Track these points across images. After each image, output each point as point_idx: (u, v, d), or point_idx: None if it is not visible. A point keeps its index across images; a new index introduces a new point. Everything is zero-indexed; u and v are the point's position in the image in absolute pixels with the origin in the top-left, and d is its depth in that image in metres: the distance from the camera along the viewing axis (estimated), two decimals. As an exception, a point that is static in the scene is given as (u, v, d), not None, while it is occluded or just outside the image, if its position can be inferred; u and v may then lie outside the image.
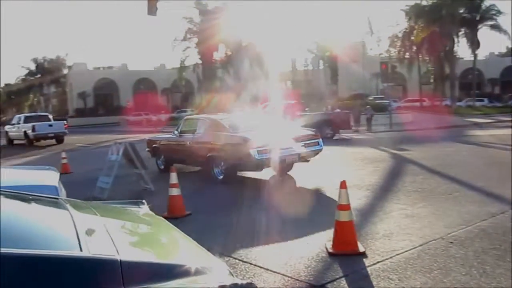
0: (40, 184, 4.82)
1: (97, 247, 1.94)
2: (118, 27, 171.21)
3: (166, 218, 6.73)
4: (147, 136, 15.59)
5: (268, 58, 45.70)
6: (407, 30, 43.44)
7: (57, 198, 2.81)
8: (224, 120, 10.77)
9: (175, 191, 7.23)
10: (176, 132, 11.75)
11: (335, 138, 20.95)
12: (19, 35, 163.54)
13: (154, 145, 12.39)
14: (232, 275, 2.19)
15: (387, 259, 4.64)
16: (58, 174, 5.53)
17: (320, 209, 7.01)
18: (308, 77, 60.71)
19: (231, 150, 9.38)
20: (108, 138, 28.04)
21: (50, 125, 27.13)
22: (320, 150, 10.14)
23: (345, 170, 10.77)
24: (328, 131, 20.72)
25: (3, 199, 2.37)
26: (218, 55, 44.99)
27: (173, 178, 7.30)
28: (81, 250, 1.86)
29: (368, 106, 27.61)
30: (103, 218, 2.46)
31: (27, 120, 27.18)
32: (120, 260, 1.84)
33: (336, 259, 4.73)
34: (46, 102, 71.08)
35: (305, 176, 10.35)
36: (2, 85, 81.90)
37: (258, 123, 10.91)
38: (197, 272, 2.02)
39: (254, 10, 45.44)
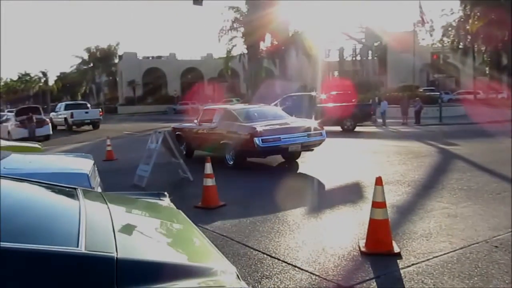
0: (70, 172, 4.87)
1: (96, 243, 1.85)
2: (168, 16, 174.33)
3: (200, 208, 6.87)
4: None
5: (316, 48, 45.00)
6: (462, 19, 41.38)
7: (74, 188, 2.76)
8: (237, 110, 11.64)
9: (209, 182, 7.18)
10: (196, 121, 12.55)
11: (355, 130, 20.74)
12: (73, 25, 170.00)
13: (177, 133, 12.87)
14: (239, 278, 2.05)
15: (423, 261, 4.36)
16: (92, 162, 5.57)
17: (357, 205, 6.74)
18: (356, 68, 59.40)
19: (239, 138, 10.31)
20: (155, 126, 28.62)
21: (86, 112, 30.12)
22: (323, 140, 10.90)
23: (387, 165, 10.38)
24: (348, 123, 20.69)
25: (13, 186, 2.35)
26: (264, 45, 44.80)
27: (208, 168, 7.25)
28: (77, 245, 1.77)
29: (417, 98, 26.60)
30: (115, 211, 2.39)
31: (67, 107, 30.61)
32: (117, 258, 1.74)
33: (368, 259, 4.50)
34: (98, 91, 73.46)
35: (344, 170, 10.08)
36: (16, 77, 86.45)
37: (271, 114, 11.74)
38: (202, 274, 1.90)
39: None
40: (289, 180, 9.11)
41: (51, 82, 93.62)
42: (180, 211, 3.02)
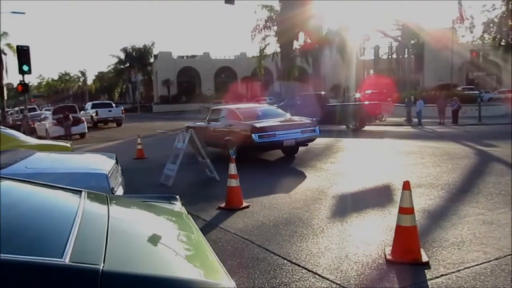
0: (89, 172, 4.84)
1: (84, 253, 1.73)
2: (202, 16, 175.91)
3: (224, 209, 6.75)
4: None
5: (350, 46, 44.26)
6: (505, 15, 39.71)
7: (79, 191, 2.67)
8: (239, 110, 12.68)
9: (233, 182, 7.05)
10: (206, 120, 13.66)
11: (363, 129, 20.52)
12: (111, 26, 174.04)
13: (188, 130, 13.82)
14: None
15: (453, 272, 4.07)
16: (113, 162, 5.53)
17: (385, 209, 6.45)
18: (392, 66, 58.16)
19: (240, 134, 11.37)
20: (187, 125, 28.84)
21: (110, 111, 33.03)
22: (316, 136, 12.07)
23: (420, 166, 9.97)
24: (353, 122, 20.43)
25: (10, 188, 2.27)
26: (297, 44, 44.42)
27: (232, 168, 7.13)
28: (62, 256, 1.66)
29: (455, 97, 25.67)
30: (115, 217, 2.28)
31: (93, 106, 33.42)
32: (102, 270, 1.61)
33: (394, 268, 4.25)
34: (134, 90, 74.82)
35: (375, 171, 9.75)
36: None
37: (270, 113, 12.85)
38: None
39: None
40: (317, 181, 8.86)
41: (89, 81, 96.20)
42: (190, 216, 2.88)
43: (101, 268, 1.62)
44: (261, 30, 43.69)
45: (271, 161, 12.10)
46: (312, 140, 12.10)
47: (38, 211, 2.10)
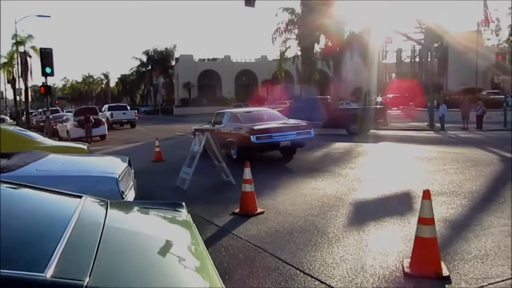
0: (99, 175, 4.76)
1: (69, 267, 1.60)
2: (224, 19, 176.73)
3: (238, 215, 6.60)
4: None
5: (372, 49, 43.73)
6: (532, 17, 38.72)
7: (79, 196, 2.56)
8: (240, 113, 13.56)
9: (248, 187, 6.90)
10: (211, 122, 14.49)
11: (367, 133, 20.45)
12: (133, 29, 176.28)
13: (196, 133, 14.43)
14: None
15: (476, 288, 3.84)
16: (125, 165, 5.45)
17: (405, 218, 6.20)
18: (415, 70, 57.32)
19: (240, 135, 12.13)
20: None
21: (124, 113, 35.23)
22: (311, 138, 12.79)
23: (442, 173, 9.65)
24: (353, 126, 20.53)
25: (7, 194, 2.17)
26: (318, 47, 44.10)
27: (247, 173, 6.98)
28: (44, 270, 1.53)
29: (479, 102, 25.01)
30: (112, 226, 2.15)
31: (109, 109, 35.57)
32: (86, 287, 1.48)
33: (412, 282, 4.04)
34: (155, 92, 75.55)
35: (396, 177, 9.47)
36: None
37: (269, 116, 13.65)
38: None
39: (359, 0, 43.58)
40: (335, 187, 8.65)
41: (112, 83, 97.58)
42: (194, 225, 2.73)
43: (85, 284, 1.49)
44: (282, 33, 43.50)
45: (288, 166, 11.92)
46: (307, 141, 12.99)
47: (28, 219, 1.99)
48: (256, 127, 11.91)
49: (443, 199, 7.19)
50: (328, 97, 27.43)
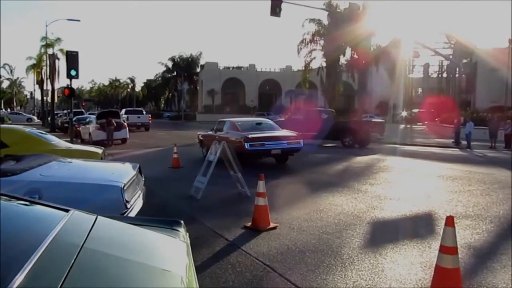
0: (103, 184, 4.57)
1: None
2: (251, 28, 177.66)
3: (249, 229, 6.34)
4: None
5: (399, 63, 43.06)
6: None
7: (66, 210, 2.36)
8: (238, 122, 14.99)
9: (261, 201, 6.64)
10: (213, 129, 15.97)
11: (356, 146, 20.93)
12: (161, 35, 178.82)
13: (200, 139, 17.09)
14: None
15: (501, 328, 3.48)
16: (133, 173, 5.26)
17: (425, 241, 5.82)
18: (442, 85, 56.24)
19: (236, 142, 13.12)
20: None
21: (139, 117, 38.08)
22: (300, 148, 14.05)
23: (467, 194, 9.19)
24: (348, 139, 21.18)
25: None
26: (344, 59, 43.64)
27: (261, 186, 6.72)
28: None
29: (509, 120, 24.20)
30: (91, 248, 1.92)
31: (126, 112, 37.73)
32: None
33: (430, 316, 3.70)
34: (179, 98, 76.19)
35: (418, 196, 9.06)
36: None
37: (264, 126, 15.08)
38: None
39: (387, 13, 43.06)
40: (353, 204, 8.31)
41: (138, 88, 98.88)
42: (189, 249, 2.47)
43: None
44: (307, 44, 43.22)
45: (307, 179, 11.60)
46: (296, 150, 14.15)
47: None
48: (250, 136, 13.22)
49: (468, 223, 6.78)
50: (332, 110, 28.47)
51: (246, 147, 12.91)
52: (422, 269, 4.76)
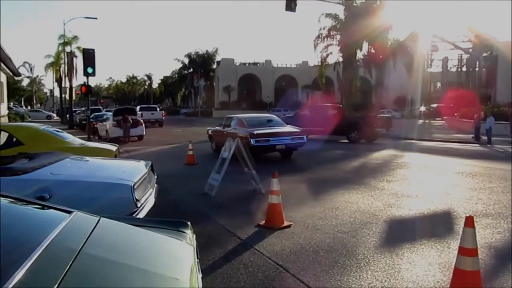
0: (113, 182, 4.52)
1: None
2: (266, 23, 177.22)
3: (263, 227, 6.25)
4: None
5: (417, 57, 42.36)
6: None
7: (70, 212, 2.29)
8: (245, 118, 15.45)
9: (275, 199, 6.54)
10: (221, 125, 16.63)
11: (362, 141, 21.12)
12: (177, 31, 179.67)
13: (209, 134, 17.82)
14: None
15: (524, 334, 3.32)
16: (144, 171, 5.20)
17: (444, 241, 5.64)
18: (461, 79, 55.22)
19: (242, 138, 12.45)
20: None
21: (152, 113, 39.62)
22: (304, 143, 14.46)
23: (488, 192, 8.93)
24: (353, 134, 21.45)
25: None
26: (361, 54, 43.12)
27: (274, 184, 6.61)
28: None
29: (531, 115, 23.59)
30: (90, 252, 1.84)
31: (140, 109, 38.16)
32: None
33: (449, 320, 3.56)
34: (196, 95, 76.39)
35: (436, 194, 8.84)
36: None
37: (270, 122, 15.47)
38: None
39: (405, 6, 42.44)
40: (369, 202, 8.15)
41: (155, 85, 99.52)
42: (195, 252, 2.38)
43: None
44: (323, 39, 42.82)
45: (323, 176, 11.46)
46: (300, 146, 14.54)
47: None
48: (255, 132, 13.79)
49: (488, 222, 6.57)
50: (340, 105, 28.51)
51: (252, 142, 13.27)
52: (441, 271, 4.61)
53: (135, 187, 4.51)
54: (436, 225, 6.51)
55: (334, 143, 20.96)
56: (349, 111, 32.19)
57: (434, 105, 50.93)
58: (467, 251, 3.67)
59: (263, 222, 6.53)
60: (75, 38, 42.46)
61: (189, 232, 2.69)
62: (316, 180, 10.70)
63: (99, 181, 4.51)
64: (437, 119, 43.28)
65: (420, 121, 42.16)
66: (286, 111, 52.94)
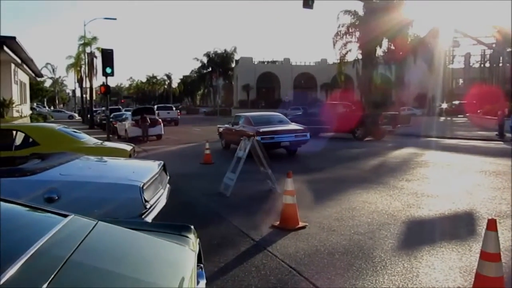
0: (122, 183, 4.44)
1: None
2: (285, 21, 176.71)
3: (277, 228, 6.11)
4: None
5: (438, 53, 41.60)
6: None
7: (66, 216, 2.19)
8: (251, 117, 16.29)
9: (289, 199, 6.39)
10: (230, 123, 17.63)
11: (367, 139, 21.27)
12: (195, 31, 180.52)
13: (219, 131, 18.99)
14: None
15: None
16: (155, 172, 5.11)
17: (465, 243, 5.42)
18: (484, 76, 54.03)
19: (249, 135, 13.35)
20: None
21: (168, 113, 41.42)
22: (307, 140, 15.16)
23: (511, 192, 8.62)
24: (358, 132, 21.69)
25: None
26: (380, 51, 42.49)
27: (289, 184, 6.46)
28: None
29: (557, 112, 22.88)
30: (78, 260, 1.74)
31: (157, 108, 38.91)
32: None
33: (470, 329, 3.36)
34: (215, 94, 76.59)
35: (458, 193, 8.55)
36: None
37: (275, 120, 16.18)
38: None
39: (425, 1, 41.59)
40: (387, 202, 7.93)
41: (174, 84, 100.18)
42: (195, 259, 2.26)
43: None
44: (342, 36, 42.36)
45: (340, 175, 11.24)
46: (303, 143, 15.22)
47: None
48: (261, 129, 14.52)
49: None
50: (349, 103, 28.46)
51: (258, 139, 13.55)
52: (461, 275, 4.40)
53: (144, 188, 4.42)
54: (458, 227, 6.27)
55: (343, 141, 20.82)
56: (368, 109, 31.79)
57: (456, 102, 49.98)
58: (489, 255, 3.46)
59: (278, 223, 6.39)
60: (95, 38, 42.92)
61: (192, 237, 2.57)
62: (332, 180, 10.50)
63: (107, 182, 4.44)
64: (459, 116, 42.47)
65: (442, 118, 41.36)
66: (304, 109, 52.60)
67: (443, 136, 23.52)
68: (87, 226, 2.16)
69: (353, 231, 6.08)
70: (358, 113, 24.31)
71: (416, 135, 23.78)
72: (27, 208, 2.29)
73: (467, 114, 39.52)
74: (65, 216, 2.25)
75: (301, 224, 6.34)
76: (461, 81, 65.42)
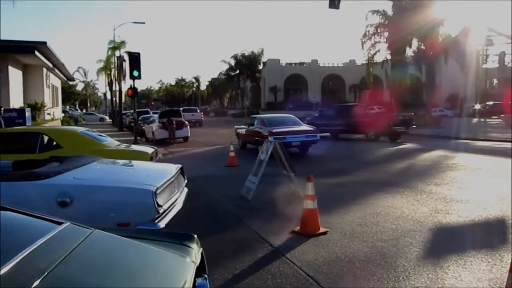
0: (134, 187, 4.36)
1: None
2: (312, 22, 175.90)
3: (297, 234, 5.93)
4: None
5: (470, 53, 40.45)
6: None
7: (60, 223, 2.10)
8: (266, 118, 17.51)
9: (310, 204, 6.20)
10: (247, 124, 18.84)
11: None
12: (224, 33, 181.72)
13: (236, 132, 20.11)
14: None
15: None
16: (169, 176, 5.01)
17: (496, 253, 5.10)
18: (520, 75, 52.14)
19: (263, 135, 15.30)
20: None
21: (192, 115, 43.85)
22: (317, 140, 16.29)
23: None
24: (371, 133, 21.93)
25: None
26: (410, 51, 41.62)
27: (309, 188, 6.27)
28: None
29: None
30: (63, 272, 1.63)
31: (183, 111, 38.80)
32: None
33: None
34: (243, 96, 76.71)
35: (488, 200, 8.15)
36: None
37: (288, 121, 17.34)
38: None
39: (457, 2, 40.50)
40: (414, 207, 7.63)
41: (202, 87, 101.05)
42: (194, 271, 2.12)
43: None
44: (371, 36, 41.73)
45: (365, 178, 10.94)
46: (313, 143, 16.24)
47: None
48: (274, 130, 15.43)
49: (548, 231, 5.93)
50: (365, 104, 28.82)
51: (270, 140, 14.58)
52: (493, 281, 4.12)
53: (157, 192, 4.33)
54: (488, 235, 5.94)
55: (360, 142, 20.73)
56: (399, 110, 31.16)
57: (490, 103, 48.42)
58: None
59: (298, 228, 6.21)
60: (123, 42, 43.68)
61: (194, 246, 2.44)
62: (357, 183, 10.22)
63: (120, 186, 4.37)
64: (493, 117, 41.12)
65: (475, 120, 40.14)
66: (321, 111, 51.90)
67: (475, 138, 22.76)
68: (80, 235, 2.06)
69: (376, 237, 5.85)
70: (370, 114, 24.38)
71: (447, 136, 23.10)
72: (20, 215, 2.21)
73: (502, 115, 38.22)
74: (60, 223, 2.16)
75: (322, 229, 6.14)
76: (495, 81, 63.44)
